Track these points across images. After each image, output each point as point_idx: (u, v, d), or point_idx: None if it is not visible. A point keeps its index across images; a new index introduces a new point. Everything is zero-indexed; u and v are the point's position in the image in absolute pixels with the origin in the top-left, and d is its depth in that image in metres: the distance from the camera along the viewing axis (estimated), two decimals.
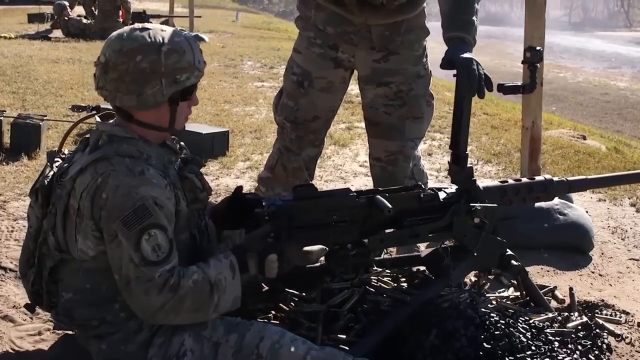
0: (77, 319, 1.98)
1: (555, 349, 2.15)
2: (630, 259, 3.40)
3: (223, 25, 15.41)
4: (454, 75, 2.32)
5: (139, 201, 1.81)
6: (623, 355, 2.40)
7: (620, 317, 2.64)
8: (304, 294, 2.41)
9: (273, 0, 39.26)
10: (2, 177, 4.05)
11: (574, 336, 2.30)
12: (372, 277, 2.43)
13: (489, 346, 2.06)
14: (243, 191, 2.21)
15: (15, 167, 4.28)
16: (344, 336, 2.19)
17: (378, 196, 2.19)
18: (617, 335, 2.49)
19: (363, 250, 2.20)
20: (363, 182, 4.39)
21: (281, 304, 2.36)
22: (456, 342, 2.06)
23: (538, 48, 2.44)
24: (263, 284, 2.41)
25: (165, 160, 1.98)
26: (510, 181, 2.49)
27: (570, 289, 2.72)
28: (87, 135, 2.04)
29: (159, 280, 1.80)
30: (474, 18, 2.44)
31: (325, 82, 2.76)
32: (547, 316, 2.42)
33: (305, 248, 2.38)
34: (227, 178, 4.40)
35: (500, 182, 2.48)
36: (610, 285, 3.09)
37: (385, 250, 2.91)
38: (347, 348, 2.09)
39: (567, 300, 2.68)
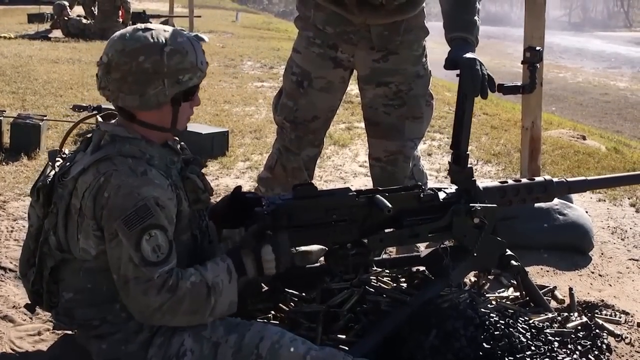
0: (77, 319, 1.98)
1: (555, 349, 2.15)
2: (630, 259, 3.41)
3: (223, 25, 15.41)
4: (457, 75, 2.32)
5: (140, 201, 1.81)
6: (623, 356, 2.40)
7: (620, 318, 2.64)
8: (303, 294, 2.41)
9: (273, 0, 39.26)
10: (1, 177, 4.05)
11: (573, 336, 2.30)
12: (371, 277, 2.43)
13: (489, 346, 2.06)
14: (242, 191, 2.21)
15: (15, 167, 4.28)
16: (344, 336, 2.19)
17: (378, 196, 2.19)
18: (616, 335, 2.49)
19: (362, 249, 2.20)
20: (363, 182, 4.39)
21: (281, 304, 2.36)
22: (456, 343, 2.06)
23: (538, 48, 2.44)
24: (263, 284, 2.42)
25: (168, 160, 1.98)
26: (510, 182, 2.49)
27: (570, 289, 2.72)
28: (89, 135, 2.04)
29: (157, 281, 1.80)
30: (476, 18, 2.44)
31: (325, 82, 2.76)
32: (546, 316, 2.41)
33: (305, 248, 2.38)
34: (226, 178, 4.40)
35: (500, 182, 2.48)
36: (610, 285, 3.09)
37: (384, 251, 2.91)
38: (346, 348, 2.09)
39: (567, 301, 2.68)
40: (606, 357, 2.31)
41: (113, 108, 2.00)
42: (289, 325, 2.20)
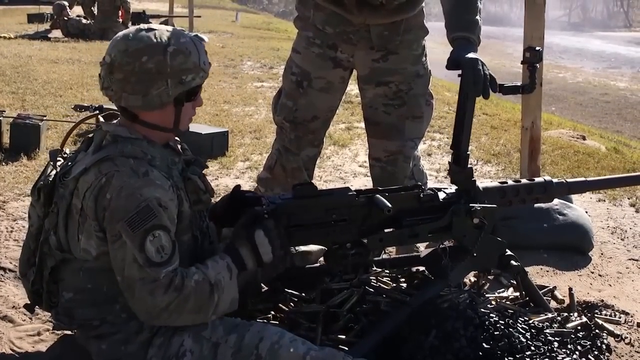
0: (77, 319, 1.98)
1: (555, 349, 2.15)
2: (629, 259, 3.40)
3: (223, 25, 15.42)
4: (459, 76, 2.32)
5: (143, 202, 1.81)
6: (622, 356, 2.40)
7: (620, 318, 2.64)
8: (303, 294, 2.41)
9: (273, 0, 39.27)
10: (1, 177, 4.05)
11: (573, 336, 2.30)
12: (371, 278, 2.43)
13: (489, 346, 2.06)
14: (242, 190, 2.21)
15: (14, 167, 4.28)
16: (344, 336, 2.19)
17: (377, 195, 2.19)
18: (616, 335, 2.49)
19: (362, 249, 2.20)
20: (362, 182, 4.39)
21: (281, 304, 2.36)
22: (456, 343, 2.06)
23: (537, 48, 2.44)
24: (262, 284, 2.42)
25: (169, 161, 1.98)
26: (510, 182, 2.49)
27: (570, 289, 2.71)
28: (90, 135, 2.04)
29: (163, 281, 1.80)
30: (478, 17, 2.44)
31: (325, 82, 2.76)
32: (546, 316, 2.41)
33: (305, 248, 2.39)
34: (226, 178, 4.40)
35: (500, 183, 2.48)
36: (610, 285, 3.09)
37: (384, 251, 2.91)
38: (346, 348, 2.09)
39: (567, 301, 2.68)
40: (606, 357, 2.31)
41: (114, 108, 2.00)
42: (288, 326, 2.20)
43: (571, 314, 2.53)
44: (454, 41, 2.41)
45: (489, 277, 2.74)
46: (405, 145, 2.77)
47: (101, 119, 1.92)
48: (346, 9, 2.62)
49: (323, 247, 2.30)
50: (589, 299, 2.81)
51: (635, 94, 14.02)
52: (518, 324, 2.19)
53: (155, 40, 1.89)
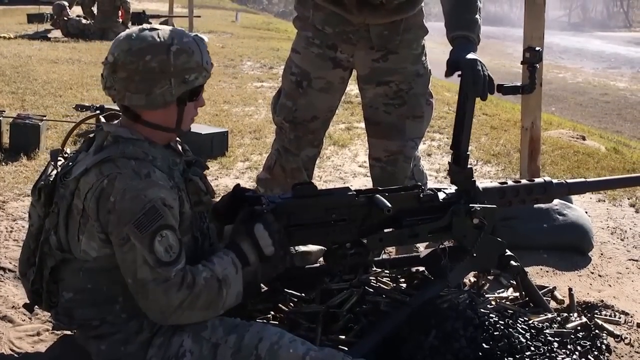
0: (77, 319, 1.98)
1: (555, 349, 2.15)
2: (629, 260, 3.40)
3: (222, 25, 15.42)
4: (459, 76, 2.32)
5: (148, 203, 1.81)
6: (622, 356, 2.40)
7: (620, 318, 2.64)
8: (303, 294, 2.41)
9: (272, 0, 39.28)
10: (1, 178, 4.05)
11: (573, 337, 2.30)
12: (371, 278, 2.43)
13: (488, 347, 2.06)
14: (243, 187, 2.22)
15: (14, 167, 4.28)
16: (343, 337, 2.19)
17: (377, 195, 2.19)
18: (616, 335, 2.49)
19: (362, 249, 2.20)
20: (362, 182, 4.39)
21: (280, 305, 2.36)
22: (455, 343, 2.05)
23: (537, 48, 2.44)
24: (262, 285, 2.41)
25: (170, 162, 1.98)
26: (510, 182, 2.49)
27: (570, 289, 2.71)
28: (91, 135, 2.03)
29: (175, 280, 1.81)
30: (477, 16, 2.44)
31: (324, 82, 2.76)
32: (546, 317, 2.41)
33: (305, 248, 2.39)
34: (226, 178, 4.40)
35: (500, 183, 2.48)
36: (610, 285, 3.09)
37: (384, 251, 2.91)
38: (346, 349, 2.09)
39: (567, 301, 2.68)
40: (605, 358, 2.31)
41: (115, 108, 2.00)
42: (288, 326, 2.20)
43: (571, 315, 2.53)
44: (454, 40, 2.41)
45: (489, 277, 2.74)
46: (405, 145, 2.77)
47: (102, 120, 1.91)
48: (346, 8, 2.62)
49: (323, 247, 2.30)
50: (588, 299, 2.81)
51: (635, 94, 14.02)
52: (518, 324, 2.18)
53: (158, 39, 1.89)
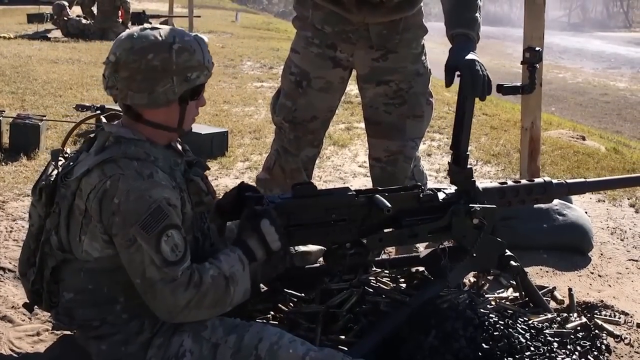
0: (77, 319, 1.98)
1: (554, 349, 2.15)
2: (629, 260, 3.41)
3: (222, 25, 15.42)
4: (458, 76, 2.32)
5: (153, 204, 1.82)
6: (622, 356, 2.40)
7: (619, 318, 2.64)
8: (303, 294, 2.41)
9: (272, 0, 39.27)
10: (1, 178, 4.05)
11: (573, 337, 2.30)
12: (371, 278, 2.43)
13: (488, 347, 2.06)
14: (247, 185, 2.23)
15: (14, 167, 4.28)
16: (343, 337, 2.19)
17: (377, 195, 2.19)
18: (616, 336, 2.49)
19: (361, 249, 2.20)
20: (362, 182, 4.39)
21: (280, 305, 2.36)
22: (455, 343, 2.05)
23: (537, 48, 2.44)
24: (262, 285, 2.42)
25: (172, 162, 1.98)
26: (510, 182, 2.49)
27: (570, 289, 2.71)
28: (91, 135, 2.04)
29: (182, 279, 1.82)
30: (477, 15, 2.44)
31: (324, 81, 2.75)
32: (546, 317, 2.41)
33: (304, 248, 2.39)
34: (226, 178, 4.40)
35: (500, 183, 2.48)
36: (610, 286, 3.09)
37: (384, 251, 2.91)
38: (346, 349, 2.09)
39: (566, 301, 2.68)
40: (605, 358, 2.31)
41: (116, 108, 2.00)
42: (288, 326, 2.20)
43: (571, 315, 2.53)
44: (454, 38, 2.41)
45: (489, 277, 2.74)
46: (405, 145, 2.77)
47: (103, 120, 1.92)
48: (345, 7, 2.61)
49: (322, 247, 2.30)
50: (588, 299, 2.81)
51: (635, 94, 14.02)
52: (518, 325, 2.19)
53: (160, 38, 1.90)
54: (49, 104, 6.06)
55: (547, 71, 11.66)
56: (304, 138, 2.82)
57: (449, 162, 2.41)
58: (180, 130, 2.01)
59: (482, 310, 2.23)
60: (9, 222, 3.36)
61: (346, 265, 2.25)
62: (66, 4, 11.47)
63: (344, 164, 4.87)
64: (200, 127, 5.01)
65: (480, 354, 2.04)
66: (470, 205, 2.28)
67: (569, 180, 2.61)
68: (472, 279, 2.70)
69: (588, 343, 2.30)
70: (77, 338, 2.05)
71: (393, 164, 2.79)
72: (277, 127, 2.88)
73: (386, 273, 2.50)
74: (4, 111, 4.92)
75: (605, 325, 2.53)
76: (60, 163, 2.01)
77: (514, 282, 2.63)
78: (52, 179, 1.98)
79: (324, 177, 4.50)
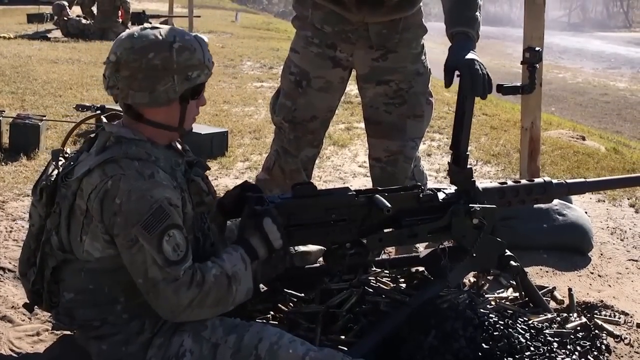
0: (78, 320, 1.98)
1: (554, 349, 2.15)
2: (629, 260, 3.40)
3: (222, 25, 15.42)
4: (458, 76, 2.32)
5: (155, 204, 1.82)
6: (622, 356, 2.40)
7: (619, 318, 2.64)
8: (302, 294, 2.41)
9: (272, 0, 39.27)
10: (0, 178, 4.05)
11: (572, 337, 2.30)
12: (370, 278, 2.43)
13: (488, 347, 2.06)
14: (250, 184, 2.24)
15: (14, 167, 4.28)
16: (343, 337, 2.19)
17: (377, 195, 2.19)
18: (616, 336, 2.49)
19: (361, 249, 2.20)
20: (362, 182, 4.39)
21: (280, 305, 2.36)
22: (455, 343, 2.05)
23: (537, 48, 2.44)
24: (262, 285, 2.41)
25: (173, 162, 1.99)
26: (509, 182, 2.49)
27: (569, 289, 2.71)
28: (91, 135, 2.04)
29: (184, 278, 1.82)
30: (477, 13, 2.44)
31: (324, 81, 2.75)
32: (546, 317, 2.41)
33: (304, 248, 2.39)
34: (226, 178, 4.40)
35: (499, 183, 2.48)
36: (610, 286, 3.09)
37: (384, 251, 2.91)
38: (345, 349, 2.09)
39: (566, 301, 2.68)
40: (605, 358, 2.31)
41: (116, 108, 2.01)
42: (288, 326, 2.20)
43: (571, 315, 2.53)
44: (453, 36, 2.41)
45: (489, 277, 2.74)
46: (406, 145, 2.77)
47: (104, 120, 1.92)
48: (345, 7, 2.61)
49: (322, 247, 2.30)
50: (588, 299, 2.81)
51: (635, 95, 14.02)
52: (517, 325, 2.18)
53: (160, 37, 1.91)
54: (49, 104, 6.06)
55: (547, 71, 11.66)
56: (304, 138, 2.82)
57: (448, 162, 2.41)
58: (181, 130, 2.01)
59: (482, 310, 2.23)
60: (8, 222, 3.36)
61: (346, 265, 2.25)
62: (66, 4, 11.47)
63: (344, 164, 4.87)
64: (200, 127, 5.01)
65: (480, 354, 2.04)
66: (470, 205, 2.28)
67: (568, 180, 2.61)
68: (472, 279, 2.70)
69: (588, 343, 2.29)
70: (77, 338, 2.05)
71: (393, 164, 2.78)
72: (276, 127, 2.88)
73: (386, 273, 2.50)
74: (4, 111, 4.92)
75: (605, 325, 2.53)
76: (60, 163, 2.01)
77: (514, 282, 2.63)
78: (53, 179, 1.98)
79: (324, 177, 4.51)
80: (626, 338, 2.49)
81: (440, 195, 2.32)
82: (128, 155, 1.88)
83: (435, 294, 2.26)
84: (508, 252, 2.40)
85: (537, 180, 2.53)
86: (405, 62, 2.73)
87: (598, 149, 5.79)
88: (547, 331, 2.24)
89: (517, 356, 2.06)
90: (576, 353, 2.20)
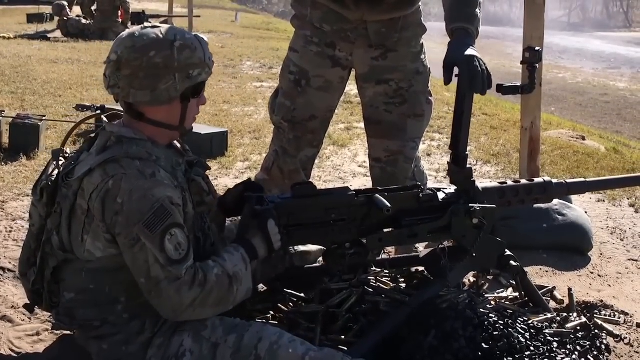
0: (78, 319, 1.98)
1: (554, 349, 2.15)
2: (629, 260, 3.40)
3: (222, 25, 15.42)
4: (456, 75, 2.32)
5: (156, 203, 1.82)
6: (622, 356, 2.40)
7: (619, 318, 2.64)
8: (302, 294, 2.41)
9: (272, 0, 39.27)
10: (0, 178, 4.05)
11: (572, 337, 2.30)
12: (370, 278, 2.43)
13: (488, 347, 2.06)
14: (253, 183, 2.25)
15: (13, 167, 4.28)
16: (343, 337, 2.19)
17: (377, 195, 2.19)
18: (616, 335, 2.49)
19: (361, 249, 2.20)
20: (362, 182, 4.39)
21: (280, 305, 2.36)
22: (455, 343, 2.05)
23: (537, 48, 2.44)
24: (262, 285, 2.42)
25: (173, 162, 1.99)
26: (509, 182, 2.49)
27: (569, 289, 2.71)
28: (92, 135, 2.04)
29: (186, 278, 1.83)
30: (477, 10, 2.44)
31: (323, 80, 2.75)
32: (546, 317, 2.41)
33: (304, 248, 2.39)
34: (226, 178, 4.40)
35: (499, 183, 2.47)
36: (609, 285, 3.09)
37: (383, 251, 2.91)
38: (345, 349, 2.09)
39: (566, 301, 2.68)
40: (605, 358, 2.31)
41: (116, 108, 2.01)
42: (287, 326, 2.20)
43: (570, 314, 2.53)
44: (453, 32, 2.40)
45: (489, 277, 2.74)
46: (406, 145, 2.77)
47: (104, 119, 1.92)
48: (344, 5, 2.61)
49: (322, 247, 2.30)
50: (588, 299, 2.81)
51: (635, 95, 14.02)
52: (517, 324, 2.18)
53: (161, 35, 1.91)
54: (49, 104, 6.06)
55: (547, 71, 11.65)
56: (304, 138, 2.81)
57: (448, 162, 2.41)
58: (182, 129, 2.01)
59: (481, 310, 2.23)
60: (8, 222, 3.36)
61: (346, 265, 2.25)
62: (66, 4, 11.47)
63: (344, 163, 4.87)
64: (200, 127, 5.00)
65: (479, 353, 2.04)
66: (470, 205, 2.28)
67: (568, 180, 2.61)
68: (472, 279, 2.70)
69: (588, 343, 2.29)
70: (78, 338, 2.05)
71: (393, 164, 2.78)
72: (276, 127, 2.88)
73: (386, 273, 2.50)
74: (4, 111, 4.91)
75: (605, 325, 2.53)
76: (61, 163, 2.01)
77: (514, 282, 2.63)
78: (54, 179, 1.98)
79: (323, 177, 4.50)
80: (626, 338, 2.49)
81: (440, 195, 2.32)
82: (129, 154, 1.89)
83: (435, 294, 2.26)
84: (508, 252, 2.40)
85: (536, 180, 2.53)
86: (405, 61, 2.73)
87: (598, 149, 5.79)
88: (547, 331, 2.24)
89: (517, 356, 2.06)
90: (576, 353, 2.20)
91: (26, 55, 8.70)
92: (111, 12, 11.24)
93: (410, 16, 2.69)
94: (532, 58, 2.40)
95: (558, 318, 2.44)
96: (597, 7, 47.99)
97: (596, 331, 2.41)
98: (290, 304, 2.38)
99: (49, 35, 11.21)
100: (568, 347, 2.21)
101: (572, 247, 3.38)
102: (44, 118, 4.82)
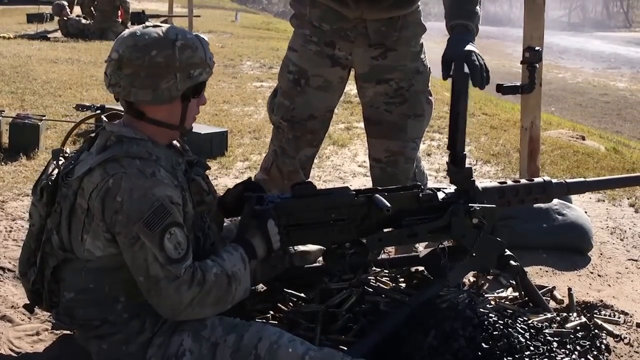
0: (78, 319, 1.99)
1: (554, 349, 2.15)
2: (628, 260, 3.40)
3: (222, 25, 15.42)
4: (451, 75, 2.32)
5: (156, 202, 1.83)
6: (622, 356, 2.40)
7: (619, 318, 2.64)
8: (302, 294, 2.41)
9: (272, 0, 39.26)
10: (0, 177, 4.05)
11: (572, 336, 2.30)
12: (370, 278, 2.43)
13: (487, 346, 2.06)
14: (253, 182, 2.25)
15: (13, 167, 4.28)
16: (343, 336, 2.19)
17: (377, 195, 2.19)
18: (615, 335, 2.49)
19: (361, 249, 2.20)
20: (362, 182, 4.39)
21: (280, 304, 2.36)
22: (454, 343, 2.05)
23: (537, 48, 2.44)
24: (262, 285, 2.42)
25: (173, 161, 1.99)
26: (509, 182, 2.49)
27: (569, 289, 2.71)
28: (92, 135, 2.04)
29: (185, 277, 1.83)
30: (478, 8, 2.45)
31: (322, 80, 2.75)
32: (545, 316, 2.41)
33: (304, 248, 2.39)
34: (225, 178, 4.40)
35: (499, 183, 2.47)
36: (609, 285, 3.09)
37: (383, 250, 2.91)
38: (345, 348, 2.09)
39: (566, 301, 2.68)
40: (605, 358, 2.31)
41: (116, 108, 2.01)
42: (287, 326, 2.20)
43: (570, 314, 2.53)
44: (453, 29, 2.41)
45: (488, 277, 2.74)
46: (406, 146, 2.77)
47: (104, 119, 1.92)
48: (343, 3, 2.61)
49: (322, 247, 2.30)
50: (588, 299, 2.81)
51: (635, 95, 14.02)
52: (517, 324, 2.18)
53: (163, 35, 1.92)
54: (49, 103, 6.06)
55: (547, 71, 11.65)
56: (303, 138, 2.80)
57: (447, 162, 2.41)
58: (182, 128, 2.01)
59: (481, 309, 2.23)
60: (8, 222, 3.36)
61: (345, 265, 2.25)
62: (66, 4, 11.47)
63: (344, 163, 4.87)
64: (200, 127, 5.00)
65: (479, 353, 2.04)
66: (470, 205, 2.28)
67: (568, 180, 2.61)
68: (472, 279, 2.70)
69: (588, 343, 2.29)
70: (77, 337, 2.05)
71: (393, 165, 2.78)
72: (275, 126, 2.87)
73: (386, 273, 2.50)
74: (4, 111, 4.91)
75: (605, 325, 2.53)
76: (60, 162, 2.02)
77: (514, 282, 2.63)
78: (53, 179, 1.98)
79: (323, 177, 4.50)
80: (626, 338, 2.49)
81: (440, 195, 2.32)
82: (129, 154, 1.89)
83: (435, 294, 2.26)
84: (508, 252, 2.40)
85: (536, 179, 2.53)
86: (405, 60, 2.73)
87: (598, 149, 5.79)
88: (546, 331, 2.24)
89: (516, 356, 2.06)
90: (576, 353, 2.20)
91: (26, 55, 8.69)
92: (111, 12, 11.24)
93: (410, 15, 2.69)
94: (532, 58, 2.40)
95: (558, 318, 2.44)
96: (597, 7, 47.98)
97: (596, 331, 2.41)
98: (290, 303, 2.38)
99: (48, 35, 11.21)
100: (568, 347, 2.21)
101: (571, 247, 3.38)
102: (43, 118, 4.81)
